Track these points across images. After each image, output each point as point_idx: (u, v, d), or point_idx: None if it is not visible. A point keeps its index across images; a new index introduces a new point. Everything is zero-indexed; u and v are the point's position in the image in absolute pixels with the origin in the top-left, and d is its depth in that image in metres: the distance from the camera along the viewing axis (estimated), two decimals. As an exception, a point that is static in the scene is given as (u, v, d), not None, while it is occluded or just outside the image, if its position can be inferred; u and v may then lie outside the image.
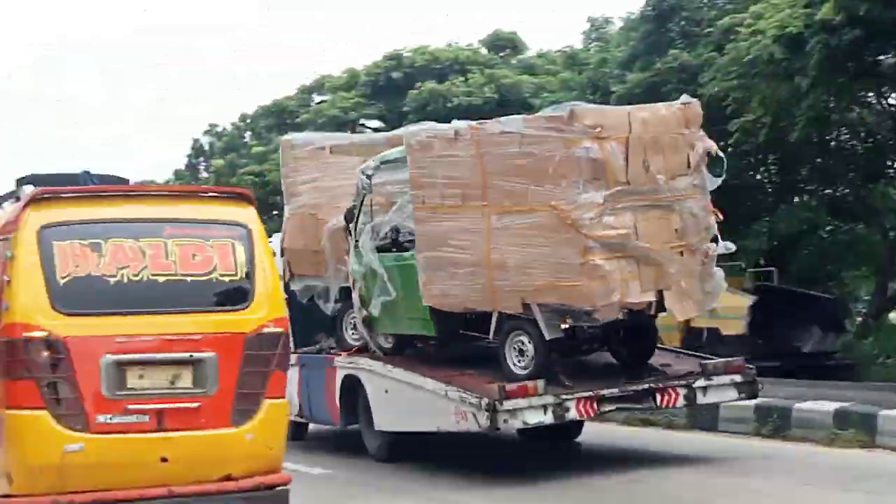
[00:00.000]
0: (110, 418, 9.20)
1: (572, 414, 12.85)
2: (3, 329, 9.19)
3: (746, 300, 24.79)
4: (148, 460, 9.27)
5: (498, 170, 12.89)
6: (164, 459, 9.27)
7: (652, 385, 13.32)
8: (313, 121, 44.05)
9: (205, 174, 63.94)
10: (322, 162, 16.06)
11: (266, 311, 9.69)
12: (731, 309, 23.06)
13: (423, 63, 41.23)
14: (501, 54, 43.58)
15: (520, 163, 12.64)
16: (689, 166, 12.83)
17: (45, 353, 9.07)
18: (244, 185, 52.37)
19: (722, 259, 13.44)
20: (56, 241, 9.29)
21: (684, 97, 13.51)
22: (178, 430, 9.33)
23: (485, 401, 12.52)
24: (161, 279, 9.47)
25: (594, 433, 15.78)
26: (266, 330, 9.64)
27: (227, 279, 9.71)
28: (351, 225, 14.52)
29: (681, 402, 13.55)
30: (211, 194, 10.63)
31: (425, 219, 13.63)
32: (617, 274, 12.24)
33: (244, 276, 9.71)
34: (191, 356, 9.39)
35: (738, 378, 13.72)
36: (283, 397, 9.81)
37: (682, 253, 12.80)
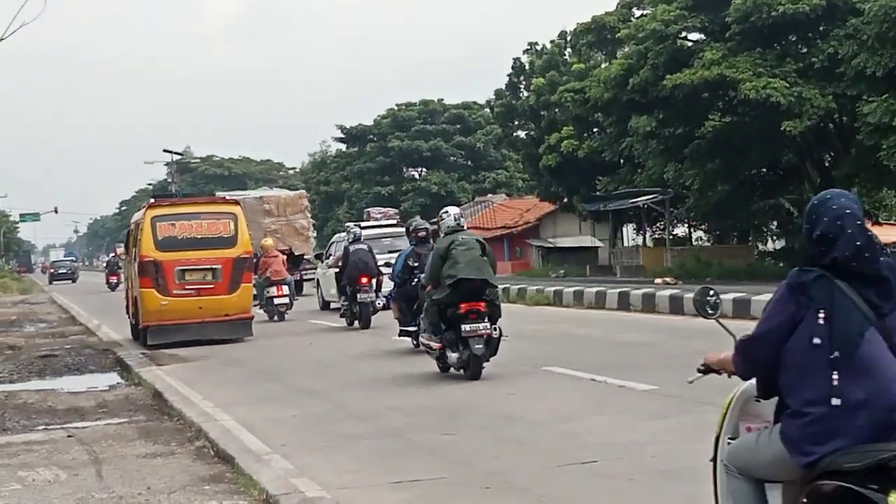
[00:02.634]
0: (179, 291, 23.91)
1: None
2: (139, 257, 24.17)
3: None
4: (194, 308, 24.00)
5: (253, 212, 40.72)
6: (200, 307, 24.04)
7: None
8: (634, 35, 42.87)
9: (525, 93, 63.71)
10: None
11: (242, 249, 24.54)
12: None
13: None
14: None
15: (256, 210, 43.65)
16: (300, 211, 46.74)
17: (153, 266, 23.89)
18: (563, 104, 52.56)
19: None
20: (158, 223, 24.10)
21: (301, 191, 55.12)
22: (206, 295, 24.09)
23: None
24: (199, 236, 24.19)
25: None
26: (242, 256, 24.50)
27: (226, 236, 24.41)
28: None
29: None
30: (222, 201, 26.30)
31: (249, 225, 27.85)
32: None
33: (233, 234, 24.48)
34: (212, 267, 24.15)
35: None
36: (250, 283, 25.09)
37: (299, 235, 46.32)
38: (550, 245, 67.47)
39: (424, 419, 13.11)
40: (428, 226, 20.89)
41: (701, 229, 61.12)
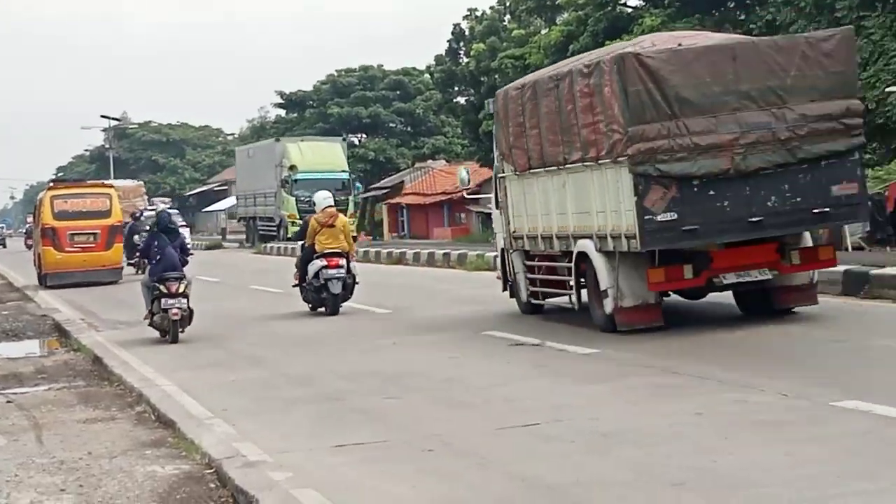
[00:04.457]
0: (70, 249, 34.23)
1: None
2: (41, 224, 35.19)
3: None
4: (80, 261, 34.16)
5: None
6: (84, 260, 34.16)
7: None
8: (573, 2, 42.97)
9: (465, 59, 63.51)
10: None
11: (115, 219, 35.44)
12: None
13: None
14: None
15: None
16: (139, 196, 60.30)
17: (51, 230, 34.49)
18: (504, 70, 52.25)
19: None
20: (55, 200, 35.09)
21: (140, 182, 69.83)
22: (89, 252, 34.40)
23: None
24: (84, 210, 34.88)
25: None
26: (116, 224, 35.44)
27: (104, 210, 35.14)
28: None
29: None
30: (101, 185, 39.72)
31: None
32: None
33: (108, 209, 35.28)
34: (93, 232, 34.61)
35: None
36: (120, 244, 35.69)
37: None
38: (490, 211, 67.43)
39: (365, 383, 13.15)
40: (140, 212, 40.40)
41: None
